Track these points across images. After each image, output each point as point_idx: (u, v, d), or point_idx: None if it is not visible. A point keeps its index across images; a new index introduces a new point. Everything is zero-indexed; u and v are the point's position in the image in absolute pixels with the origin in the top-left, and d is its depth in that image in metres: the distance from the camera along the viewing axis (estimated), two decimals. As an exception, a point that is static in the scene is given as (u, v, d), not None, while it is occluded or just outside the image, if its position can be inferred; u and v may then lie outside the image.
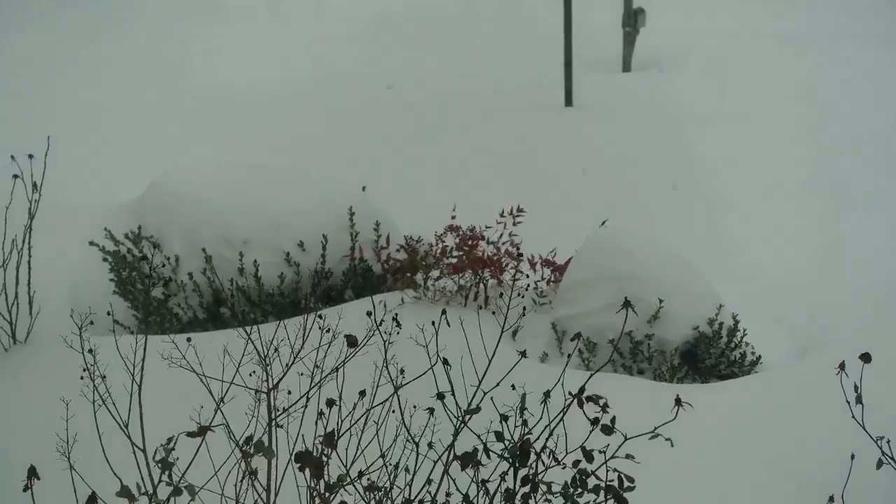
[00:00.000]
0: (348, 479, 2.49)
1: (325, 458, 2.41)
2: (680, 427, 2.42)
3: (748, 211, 8.15)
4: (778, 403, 4.61)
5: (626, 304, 2.38)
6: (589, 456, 2.30)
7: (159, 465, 2.25)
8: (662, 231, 7.18)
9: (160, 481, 2.35)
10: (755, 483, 3.88)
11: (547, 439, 2.49)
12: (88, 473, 2.85)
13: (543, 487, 2.36)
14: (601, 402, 2.30)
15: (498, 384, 2.60)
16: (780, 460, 4.00)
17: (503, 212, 6.08)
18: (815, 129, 10.45)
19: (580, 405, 2.32)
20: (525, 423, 2.48)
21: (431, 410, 2.52)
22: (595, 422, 2.30)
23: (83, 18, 16.01)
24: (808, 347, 5.64)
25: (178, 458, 2.46)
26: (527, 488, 2.36)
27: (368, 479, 2.58)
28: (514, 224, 6.03)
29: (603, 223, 6.08)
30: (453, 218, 6.03)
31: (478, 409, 2.50)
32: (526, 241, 6.03)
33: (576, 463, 2.37)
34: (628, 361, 5.39)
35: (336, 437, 2.44)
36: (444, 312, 2.66)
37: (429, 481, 2.62)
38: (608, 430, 2.18)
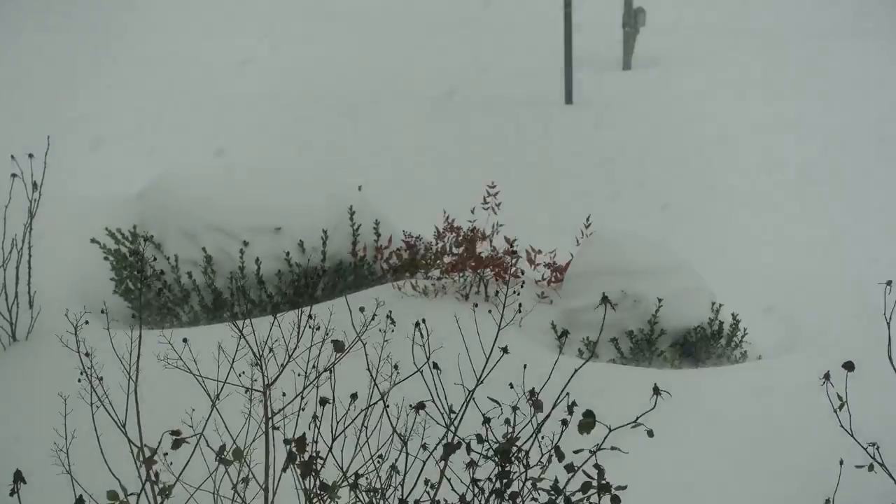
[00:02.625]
0: (342, 481, 2.49)
1: (319, 459, 2.40)
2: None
3: (743, 208, 8.16)
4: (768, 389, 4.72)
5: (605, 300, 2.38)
6: (560, 455, 2.31)
7: (143, 465, 2.23)
8: (659, 227, 7.20)
9: (146, 481, 2.34)
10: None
11: (544, 437, 2.49)
12: (86, 472, 2.85)
13: (529, 485, 2.36)
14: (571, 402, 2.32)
15: (480, 381, 2.60)
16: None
17: (484, 198, 6.09)
18: (813, 127, 10.45)
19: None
20: (508, 421, 2.48)
21: (417, 410, 2.52)
22: (564, 423, 2.31)
23: (86, 17, 16.01)
24: (796, 340, 5.67)
25: (171, 463, 2.46)
26: (508, 484, 2.37)
27: (367, 481, 2.58)
28: (497, 205, 6.03)
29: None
30: (448, 220, 6.03)
31: (460, 412, 2.51)
32: (524, 237, 6.03)
33: (549, 459, 2.38)
34: (630, 362, 5.39)
35: (332, 438, 2.44)
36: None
37: (426, 482, 2.61)
38: (588, 427, 2.18)
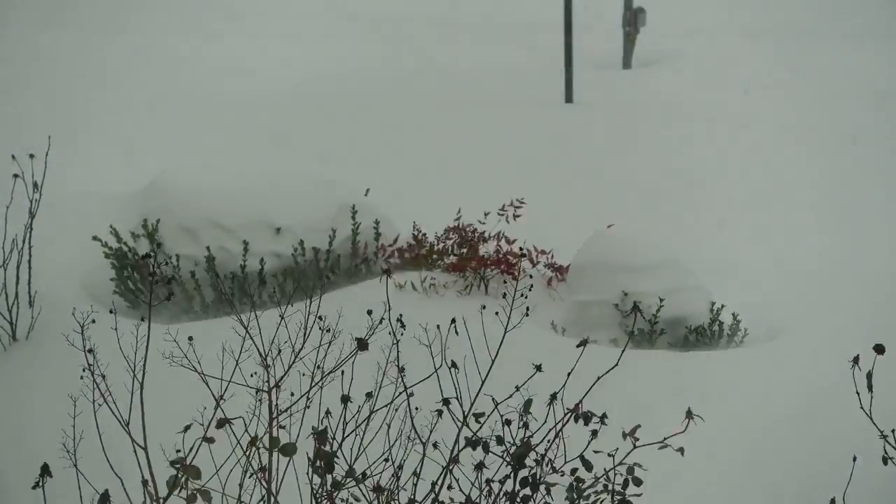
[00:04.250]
0: (353, 479, 2.48)
1: (334, 456, 2.39)
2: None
3: (738, 206, 8.19)
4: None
5: (635, 307, 2.36)
6: (588, 465, 2.28)
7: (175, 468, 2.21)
8: (657, 224, 7.22)
9: (171, 491, 2.32)
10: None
11: (550, 442, 2.47)
12: (89, 472, 2.83)
13: (544, 490, 2.34)
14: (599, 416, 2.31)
15: (488, 380, 2.58)
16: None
17: (503, 206, 6.10)
18: (810, 127, 10.47)
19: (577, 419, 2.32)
20: (526, 425, 2.46)
21: (439, 413, 2.50)
22: (594, 433, 2.28)
23: (90, 16, 15.99)
24: (775, 328, 5.72)
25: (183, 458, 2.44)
26: (527, 490, 2.35)
27: (376, 481, 2.57)
28: (515, 217, 6.06)
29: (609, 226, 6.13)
30: (457, 219, 6.05)
31: (469, 410, 2.50)
32: (524, 236, 6.03)
33: (573, 471, 2.35)
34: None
35: (342, 437, 2.43)
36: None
37: (433, 484, 2.60)
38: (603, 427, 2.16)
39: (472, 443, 2.34)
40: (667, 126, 10.76)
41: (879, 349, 2.36)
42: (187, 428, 2.44)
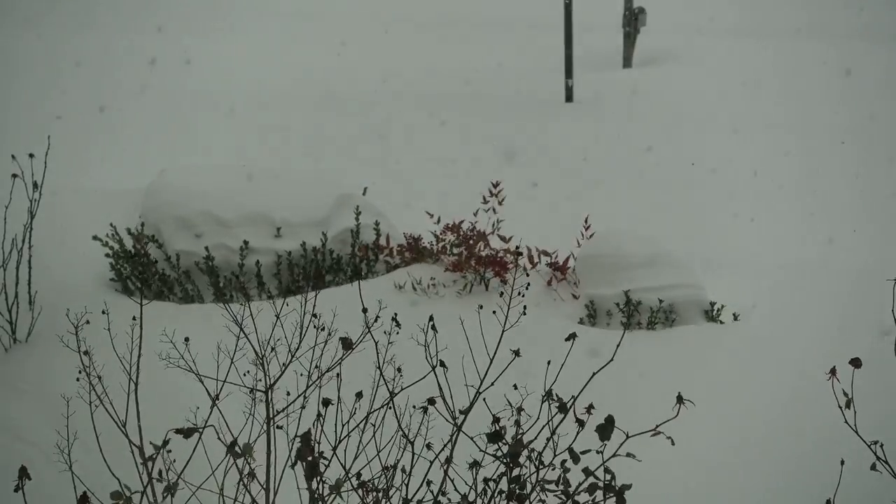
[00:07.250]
0: (346, 481, 2.47)
1: (323, 460, 2.38)
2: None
3: (736, 203, 8.20)
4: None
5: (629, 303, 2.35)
6: (576, 457, 2.27)
7: (144, 464, 2.21)
8: (657, 221, 7.24)
9: (150, 479, 2.33)
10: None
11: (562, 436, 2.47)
12: (88, 472, 2.83)
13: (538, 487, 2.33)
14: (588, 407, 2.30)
15: (492, 384, 2.58)
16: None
17: (484, 197, 6.09)
18: (804, 127, 10.49)
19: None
20: (518, 423, 2.46)
21: (425, 410, 2.50)
22: (581, 423, 2.28)
23: (93, 16, 16.00)
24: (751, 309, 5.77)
25: (174, 461, 2.44)
26: (522, 486, 2.34)
27: (368, 481, 2.56)
28: (500, 203, 6.04)
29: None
30: (438, 220, 6.05)
31: (468, 409, 2.49)
32: (524, 233, 6.03)
33: (563, 463, 2.35)
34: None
35: (337, 439, 2.42)
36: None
37: (428, 483, 2.60)
38: (605, 433, 2.15)
39: (497, 434, 2.34)
40: (666, 124, 10.77)
41: (856, 363, 2.37)
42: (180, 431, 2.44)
